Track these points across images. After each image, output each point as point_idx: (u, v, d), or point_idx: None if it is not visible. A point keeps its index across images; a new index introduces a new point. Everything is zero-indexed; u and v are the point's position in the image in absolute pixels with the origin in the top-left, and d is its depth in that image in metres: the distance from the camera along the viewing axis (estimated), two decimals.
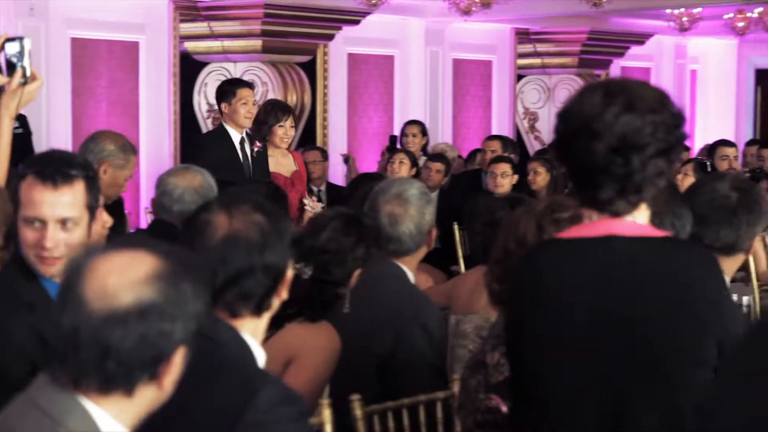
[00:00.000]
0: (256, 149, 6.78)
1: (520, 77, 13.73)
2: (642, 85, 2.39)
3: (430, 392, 3.56)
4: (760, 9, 12.30)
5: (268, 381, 2.29)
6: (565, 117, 2.40)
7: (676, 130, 2.34)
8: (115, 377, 1.90)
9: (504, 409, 2.79)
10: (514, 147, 10.36)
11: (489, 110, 13.16)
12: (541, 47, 13.59)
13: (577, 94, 2.41)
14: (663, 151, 2.33)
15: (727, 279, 2.66)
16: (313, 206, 6.71)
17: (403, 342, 3.68)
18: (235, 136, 6.72)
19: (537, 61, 13.72)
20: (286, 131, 7.03)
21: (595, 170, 2.33)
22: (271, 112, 7.03)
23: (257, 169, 6.73)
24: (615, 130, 2.30)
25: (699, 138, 14.40)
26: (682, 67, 15.38)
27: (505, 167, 8.09)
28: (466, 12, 10.57)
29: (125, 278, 1.90)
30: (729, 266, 3.07)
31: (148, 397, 1.95)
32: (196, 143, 6.97)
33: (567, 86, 13.66)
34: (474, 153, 10.46)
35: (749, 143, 11.08)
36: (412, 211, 3.86)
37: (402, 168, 8.15)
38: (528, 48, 13.55)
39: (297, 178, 7.13)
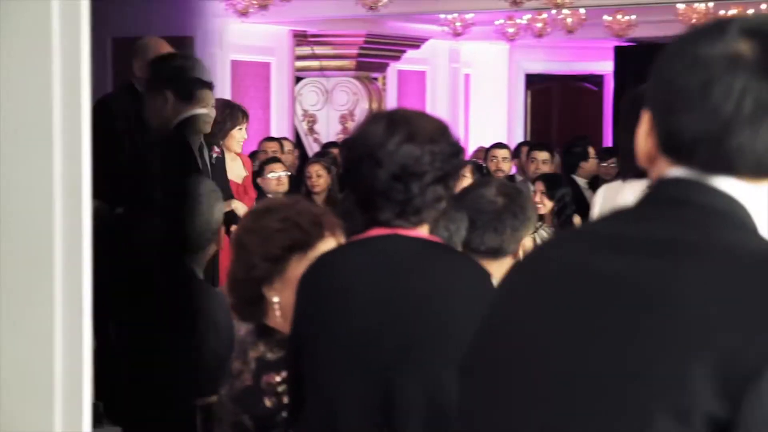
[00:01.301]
0: (215, 155, 6.18)
1: (298, 79, 13.78)
2: (423, 117, 2.57)
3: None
4: (529, 16, 12.73)
5: None
6: (350, 145, 2.57)
7: (453, 159, 2.51)
8: None
9: (247, 422, 2.80)
10: (294, 148, 10.41)
11: (268, 112, 13.14)
12: (319, 50, 13.67)
13: (362, 124, 2.57)
14: (440, 179, 2.49)
15: (495, 281, 2.73)
16: None
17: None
18: (194, 141, 5.95)
19: (315, 63, 13.79)
20: (243, 134, 6.64)
21: (377, 194, 2.48)
22: (229, 115, 6.47)
23: (216, 178, 5.95)
24: (396, 159, 2.46)
25: (474, 140, 14.79)
26: (456, 71, 15.77)
27: (279, 166, 8.09)
28: (244, 13, 10.52)
29: None
30: (496, 269, 3.15)
31: None
32: None
33: (345, 89, 13.79)
34: (253, 155, 10.43)
35: (520, 144, 11.44)
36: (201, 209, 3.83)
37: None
38: (306, 50, 13.61)
39: (249, 184, 6.84)
